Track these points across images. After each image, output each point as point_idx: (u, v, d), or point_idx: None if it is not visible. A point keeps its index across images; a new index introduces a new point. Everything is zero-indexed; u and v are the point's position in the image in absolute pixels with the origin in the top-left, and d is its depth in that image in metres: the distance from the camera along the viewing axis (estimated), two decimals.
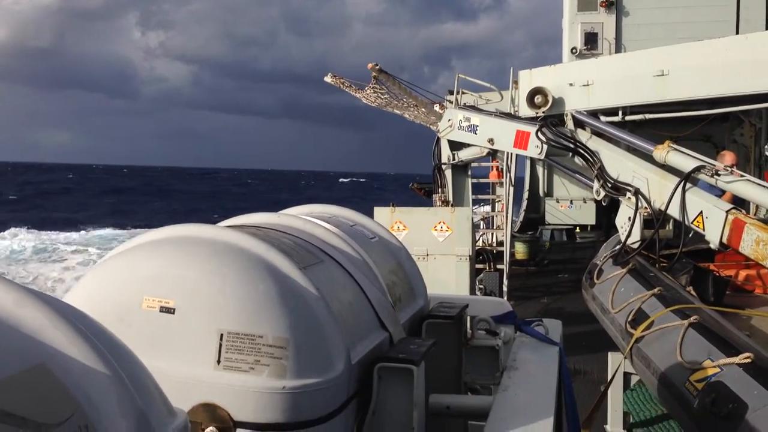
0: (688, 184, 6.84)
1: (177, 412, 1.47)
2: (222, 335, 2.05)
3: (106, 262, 2.30)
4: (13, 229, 43.19)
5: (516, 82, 12.05)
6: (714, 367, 4.02)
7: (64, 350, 1.25)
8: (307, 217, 2.97)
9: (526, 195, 21.57)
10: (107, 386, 1.27)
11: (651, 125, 9.38)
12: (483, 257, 13.44)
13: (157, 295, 2.10)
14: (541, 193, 21.06)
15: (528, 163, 20.06)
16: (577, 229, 20.99)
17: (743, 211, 6.46)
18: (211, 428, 2.02)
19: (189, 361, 2.05)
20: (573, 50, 17.42)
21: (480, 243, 14.91)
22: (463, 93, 13.74)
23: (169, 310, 2.08)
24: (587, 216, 20.39)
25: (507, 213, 13.81)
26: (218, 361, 2.04)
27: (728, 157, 7.71)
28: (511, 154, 12.50)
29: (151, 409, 1.36)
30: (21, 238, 41.00)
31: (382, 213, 9.87)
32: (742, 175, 6.67)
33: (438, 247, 9.91)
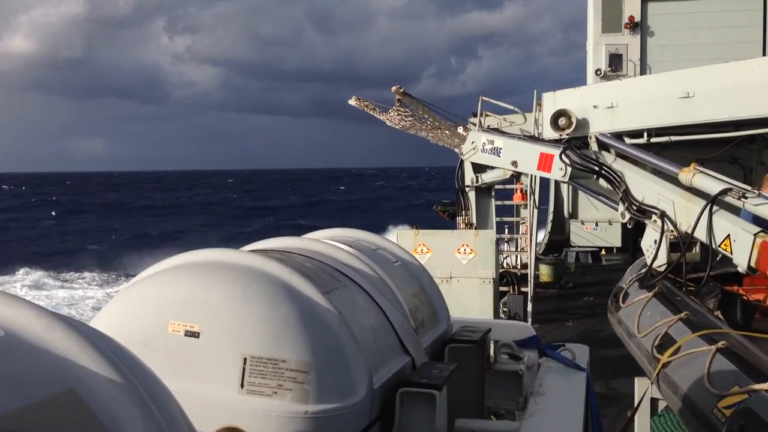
0: (715, 207, 6.77)
1: None
2: (246, 359, 2.07)
3: (133, 287, 2.34)
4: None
5: (540, 104, 12.05)
6: (743, 393, 3.95)
7: (92, 375, 1.28)
8: (329, 241, 2.99)
9: (550, 217, 21.45)
10: (132, 410, 1.29)
11: (676, 147, 9.29)
12: (507, 280, 13.37)
13: (182, 319, 2.13)
14: (565, 214, 20.94)
15: (552, 184, 19.97)
16: (603, 251, 20.80)
17: None
18: None
19: (213, 384, 2.07)
20: (597, 72, 17.38)
21: (504, 265, 14.84)
22: (486, 115, 13.76)
23: (194, 334, 2.11)
24: (613, 238, 20.22)
25: (531, 235, 13.74)
26: (242, 385, 2.06)
27: None
28: (535, 176, 12.47)
29: None
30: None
31: (405, 236, 9.88)
32: None
33: (461, 269, 9.89)
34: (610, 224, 19.94)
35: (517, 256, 16.16)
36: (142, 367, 1.45)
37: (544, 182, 15.07)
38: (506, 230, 15.90)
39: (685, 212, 7.16)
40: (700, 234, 6.82)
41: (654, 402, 6.43)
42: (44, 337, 1.27)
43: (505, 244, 15.84)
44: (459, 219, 11.31)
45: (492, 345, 3.31)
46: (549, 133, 9.41)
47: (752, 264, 6.19)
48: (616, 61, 17.38)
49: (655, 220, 7.41)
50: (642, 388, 6.30)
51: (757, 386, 3.93)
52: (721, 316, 5.75)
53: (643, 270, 7.40)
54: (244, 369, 2.07)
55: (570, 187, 19.54)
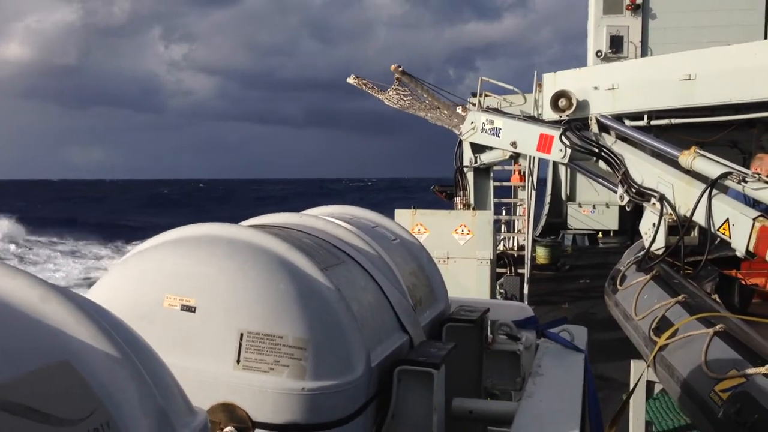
0: (715, 191, 6.75)
1: (197, 411, 1.47)
2: (242, 335, 2.05)
3: (129, 260, 2.31)
4: None
5: (540, 85, 11.99)
6: (740, 376, 3.95)
7: (87, 347, 1.26)
8: (328, 218, 2.96)
9: (548, 199, 21.45)
10: (128, 383, 1.27)
11: (676, 130, 9.27)
12: (504, 261, 13.37)
13: (178, 293, 2.10)
14: (563, 197, 20.94)
15: (550, 166, 19.94)
16: (600, 234, 20.83)
17: None
18: (229, 428, 2.02)
19: (209, 360, 2.05)
20: (598, 53, 17.30)
21: (501, 247, 14.84)
22: (486, 95, 13.69)
23: (190, 309, 2.09)
24: (610, 221, 20.24)
25: (528, 217, 13.73)
26: (238, 361, 2.04)
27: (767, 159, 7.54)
28: (534, 157, 12.43)
29: (171, 408, 1.35)
30: None
31: (403, 215, 9.84)
32: None
33: (459, 250, 9.87)
34: (608, 207, 19.97)
35: (514, 238, 16.16)
36: (138, 340, 1.43)
37: (543, 164, 15.04)
38: (504, 212, 15.89)
39: (685, 195, 7.14)
40: (699, 217, 6.81)
41: (650, 385, 6.44)
42: (39, 307, 1.24)
43: (503, 226, 15.83)
44: (457, 199, 11.28)
45: (490, 325, 3.30)
46: (549, 114, 9.37)
47: (750, 248, 6.18)
48: (617, 43, 17.30)
49: (654, 203, 7.39)
50: (638, 371, 6.31)
51: (754, 370, 3.93)
52: (718, 300, 5.75)
53: (641, 253, 7.39)
54: (240, 344, 2.04)
55: (568, 169, 19.54)
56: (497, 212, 13.95)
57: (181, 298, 2.10)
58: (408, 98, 11.97)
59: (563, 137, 8.42)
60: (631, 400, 6.22)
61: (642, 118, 9.10)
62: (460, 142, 10.97)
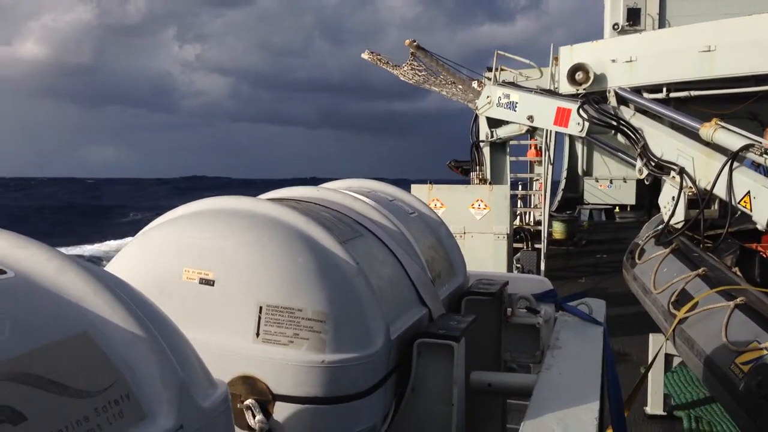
0: (736, 163, 6.65)
1: (218, 383, 1.46)
2: (261, 308, 2.03)
3: (148, 233, 2.29)
4: None
5: (556, 59, 11.83)
6: (761, 349, 3.91)
7: (106, 319, 1.24)
8: (346, 191, 2.94)
9: (564, 174, 21.30)
10: (148, 356, 1.25)
11: (696, 102, 9.14)
12: (520, 236, 13.32)
13: (197, 266, 2.09)
14: (580, 171, 20.79)
15: (567, 141, 19.77)
16: (617, 209, 20.70)
17: None
18: (250, 400, 2.02)
19: (228, 333, 2.04)
20: (615, 26, 17.04)
21: (517, 222, 14.78)
22: (502, 70, 13.55)
23: (208, 282, 2.07)
24: (627, 196, 20.10)
25: (545, 191, 13.64)
26: (257, 334, 2.03)
27: None
28: (551, 132, 12.31)
29: (192, 380, 1.34)
30: None
31: (419, 190, 9.81)
32: None
33: (475, 225, 9.83)
34: (625, 182, 19.81)
35: (530, 213, 16.09)
36: (158, 313, 1.42)
37: (559, 139, 14.90)
38: (520, 187, 15.80)
39: (705, 168, 7.05)
40: (720, 190, 6.73)
41: (668, 358, 6.41)
42: (56, 279, 1.23)
43: (519, 201, 15.76)
44: (473, 174, 11.23)
45: (509, 298, 3.27)
46: (566, 87, 9.25)
47: None
48: (634, 15, 17.02)
49: (673, 176, 7.31)
50: (657, 344, 6.28)
51: None
52: (739, 273, 5.69)
53: (660, 227, 7.32)
54: (259, 318, 2.03)
55: (585, 144, 19.36)
56: (513, 188, 13.88)
57: (200, 271, 2.08)
58: (423, 73, 11.87)
59: (581, 110, 8.32)
60: (649, 373, 6.20)
61: (661, 91, 8.97)
62: (476, 117, 10.89)
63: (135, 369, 1.23)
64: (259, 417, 2.00)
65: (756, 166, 6.73)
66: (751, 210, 6.36)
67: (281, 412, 2.02)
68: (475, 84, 11.64)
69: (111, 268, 2.18)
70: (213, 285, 2.07)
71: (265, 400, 2.02)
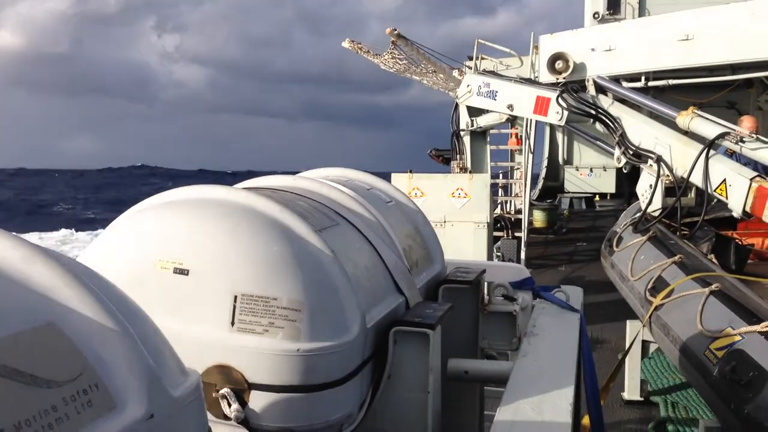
0: (712, 151, 6.72)
1: (189, 372, 1.46)
2: (236, 297, 2.03)
3: (121, 222, 2.28)
4: None
5: (537, 47, 11.86)
6: (735, 335, 3.96)
7: (74, 308, 1.23)
8: (323, 180, 2.93)
9: (545, 162, 21.38)
10: (117, 345, 1.25)
11: (674, 91, 9.21)
12: (501, 225, 13.38)
13: (171, 256, 2.08)
14: (560, 160, 20.87)
15: (547, 130, 19.84)
16: (597, 198, 20.83)
17: None
18: (225, 389, 2.01)
19: (203, 322, 2.04)
20: (595, 15, 17.08)
21: (498, 210, 14.84)
22: (482, 59, 13.57)
23: (183, 272, 2.07)
24: (607, 184, 20.21)
25: (525, 180, 13.70)
26: (232, 323, 2.03)
27: (748, 122, 7.55)
28: (531, 120, 12.36)
29: (162, 369, 1.34)
30: None
31: (399, 179, 9.81)
32: (766, 142, 6.54)
33: (456, 213, 9.85)
34: (605, 170, 19.91)
35: (511, 202, 16.16)
36: (127, 302, 1.41)
37: (540, 128, 14.94)
38: (500, 175, 15.86)
39: (682, 156, 7.12)
40: (696, 178, 6.80)
41: (645, 344, 6.50)
42: (22, 268, 1.22)
43: (500, 190, 15.81)
44: (453, 163, 11.25)
45: (486, 286, 3.29)
46: (546, 76, 9.28)
47: (747, 208, 6.18)
48: (614, 4, 17.07)
49: (651, 165, 7.38)
50: (634, 330, 6.35)
51: (749, 328, 3.94)
52: (714, 260, 5.76)
53: (638, 215, 7.39)
54: (234, 307, 2.03)
55: (565, 133, 19.44)
56: (494, 176, 13.92)
57: (174, 261, 2.07)
58: (403, 62, 11.85)
59: (560, 99, 8.36)
60: (626, 360, 6.26)
61: (639, 80, 9.03)
62: (457, 105, 10.89)
63: (104, 358, 1.22)
64: (234, 406, 2.00)
65: (730, 154, 6.80)
66: (726, 198, 6.44)
67: (257, 400, 2.02)
68: (455, 73, 11.65)
69: (85, 258, 2.16)
70: (188, 274, 2.06)
71: (241, 389, 2.02)
